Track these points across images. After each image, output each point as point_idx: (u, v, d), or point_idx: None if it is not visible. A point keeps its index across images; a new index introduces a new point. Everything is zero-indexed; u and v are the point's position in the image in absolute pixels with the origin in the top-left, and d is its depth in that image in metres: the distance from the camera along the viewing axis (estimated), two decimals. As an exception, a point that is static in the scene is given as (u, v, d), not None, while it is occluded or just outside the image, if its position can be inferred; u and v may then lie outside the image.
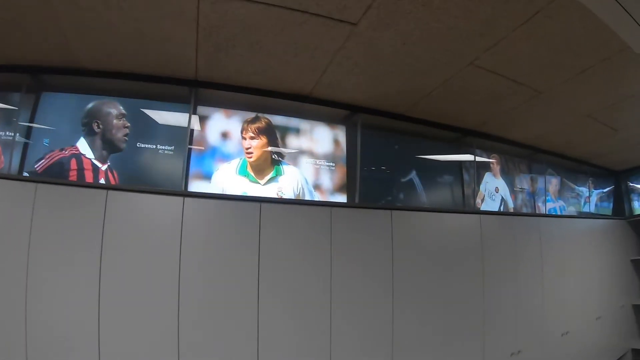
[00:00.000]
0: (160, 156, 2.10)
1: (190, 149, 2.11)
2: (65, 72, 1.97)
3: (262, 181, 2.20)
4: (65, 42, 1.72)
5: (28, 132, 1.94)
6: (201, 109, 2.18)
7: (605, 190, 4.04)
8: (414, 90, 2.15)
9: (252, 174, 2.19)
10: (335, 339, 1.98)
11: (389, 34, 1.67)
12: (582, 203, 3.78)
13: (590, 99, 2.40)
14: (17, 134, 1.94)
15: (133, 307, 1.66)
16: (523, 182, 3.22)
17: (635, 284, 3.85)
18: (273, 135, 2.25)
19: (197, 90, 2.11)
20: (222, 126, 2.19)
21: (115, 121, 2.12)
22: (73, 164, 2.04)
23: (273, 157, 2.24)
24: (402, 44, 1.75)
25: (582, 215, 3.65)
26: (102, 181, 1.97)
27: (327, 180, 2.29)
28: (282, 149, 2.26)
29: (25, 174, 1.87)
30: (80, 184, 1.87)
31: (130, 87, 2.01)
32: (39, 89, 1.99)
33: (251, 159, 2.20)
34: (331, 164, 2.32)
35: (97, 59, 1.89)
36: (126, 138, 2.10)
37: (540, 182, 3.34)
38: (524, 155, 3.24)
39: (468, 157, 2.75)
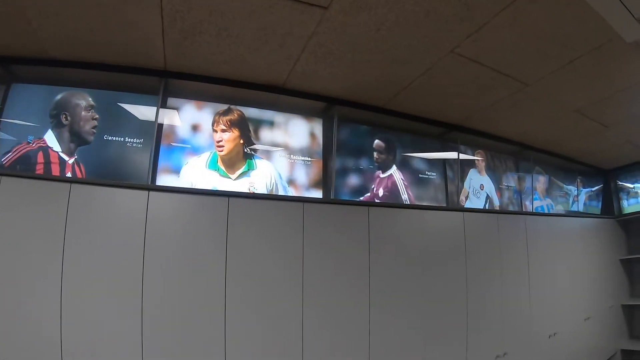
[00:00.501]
0: (128, 149, 1.95)
1: (158, 142, 1.96)
2: (33, 63, 1.83)
3: (233, 176, 2.02)
4: (32, 31, 1.60)
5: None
6: (172, 101, 2.03)
7: (594, 189, 3.83)
8: (393, 81, 1.97)
9: (223, 168, 2.01)
10: (308, 340, 1.83)
11: (362, 18, 1.52)
12: (571, 202, 3.57)
13: (579, 93, 2.21)
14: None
15: (95, 303, 1.54)
16: (510, 179, 3.02)
17: (624, 284, 3.65)
18: (246, 128, 2.07)
19: (167, 81, 1.96)
20: (193, 118, 2.04)
21: (83, 113, 1.98)
22: (40, 157, 1.90)
23: (245, 150, 2.06)
24: (377, 29, 1.60)
25: (570, 214, 3.44)
26: (69, 174, 1.83)
27: (302, 175, 2.11)
28: (255, 143, 2.06)
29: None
30: (43, 177, 1.74)
31: (99, 78, 1.88)
32: (9, 80, 1.85)
33: (222, 153, 2.03)
34: (307, 158, 2.13)
35: (64, 48, 1.75)
36: (94, 130, 1.96)
37: (527, 180, 3.14)
38: (511, 152, 3.04)
39: (452, 153, 2.54)
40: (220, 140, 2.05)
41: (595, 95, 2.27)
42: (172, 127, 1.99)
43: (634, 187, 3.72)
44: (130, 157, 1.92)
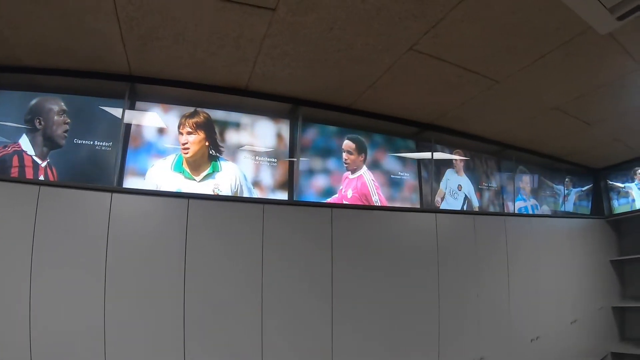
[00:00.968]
0: (97, 152, 1.92)
1: (126, 145, 1.94)
2: (8, 70, 1.84)
3: (198, 177, 1.95)
4: (4, 40, 1.61)
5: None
6: (140, 105, 2.00)
7: (584, 189, 3.60)
8: (356, 81, 1.86)
9: (188, 170, 1.95)
10: (267, 347, 1.74)
11: (312, 18, 1.46)
12: (560, 202, 3.35)
13: (555, 90, 2.07)
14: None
15: (60, 304, 1.51)
16: (491, 179, 2.83)
17: (615, 285, 3.41)
18: (212, 130, 2.00)
19: (135, 86, 1.94)
20: (160, 121, 2.01)
21: (56, 117, 1.99)
22: (15, 160, 1.90)
23: (210, 152, 1.98)
24: (329, 29, 1.53)
25: (556, 214, 3.23)
26: (41, 177, 1.82)
27: (267, 177, 2.00)
28: (220, 145, 1.97)
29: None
30: (13, 179, 1.72)
31: (71, 83, 1.87)
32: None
33: (187, 155, 1.96)
34: (273, 159, 2.03)
35: (36, 56, 1.76)
36: (66, 135, 1.95)
37: (509, 180, 2.94)
38: (492, 152, 2.88)
39: (425, 153, 2.39)
40: (186, 143, 2.01)
41: (573, 92, 2.12)
42: (139, 130, 1.96)
43: (624, 187, 3.48)
44: (99, 160, 1.88)
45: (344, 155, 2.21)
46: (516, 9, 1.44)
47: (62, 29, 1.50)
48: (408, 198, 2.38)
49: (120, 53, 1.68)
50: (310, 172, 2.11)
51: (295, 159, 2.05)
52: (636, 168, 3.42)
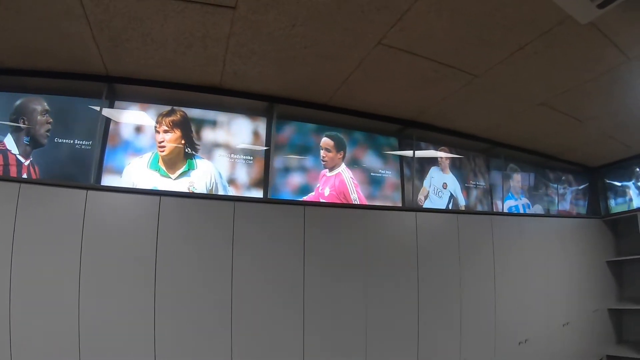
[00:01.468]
0: (77, 151, 1.90)
1: (104, 144, 1.92)
2: None
3: (174, 175, 1.91)
4: None
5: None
6: (119, 104, 1.98)
7: (579, 188, 3.42)
8: (328, 77, 1.81)
9: (164, 168, 1.92)
10: (237, 352, 1.68)
11: (272, 16, 1.42)
12: (555, 201, 3.18)
13: (539, 84, 1.95)
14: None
15: (38, 299, 1.49)
16: (479, 177, 2.69)
17: (612, 287, 3.22)
18: (188, 128, 1.96)
19: (113, 86, 1.94)
20: (137, 120, 1.98)
21: (39, 117, 1.98)
22: (0, 159, 1.86)
23: (186, 150, 1.92)
24: (291, 26, 1.48)
25: (549, 214, 3.05)
26: (24, 176, 1.82)
27: (243, 175, 1.93)
28: (196, 143, 1.92)
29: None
30: None
31: (53, 84, 1.88)
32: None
33: (163, 153, 1.94)
34: (249, 157, 1.96)
35: (18, 59, 1.77)
36: (48, 134, 1.94)
37: (498, 179, 2.80)
38: (480, 149, 2.72)
39: (407, 151, 2.28)
40: (162, 141, 1.98)
41: (558, 86, 1.99)
42: (117, 129, 1.94)
43: (621, 186, 3.28)
44: (79, 158, 1.87)
45: (322, 152, 2.12)
46: (482, -3, 1.33)
47: (40, 33, 1.51)
48: (389, 196, 2.27)
49: (95, 54, 1.68)
50: (286, 170, 2.04)
51: (270, 156, 1.97)
52: (634, 167, 3.21)
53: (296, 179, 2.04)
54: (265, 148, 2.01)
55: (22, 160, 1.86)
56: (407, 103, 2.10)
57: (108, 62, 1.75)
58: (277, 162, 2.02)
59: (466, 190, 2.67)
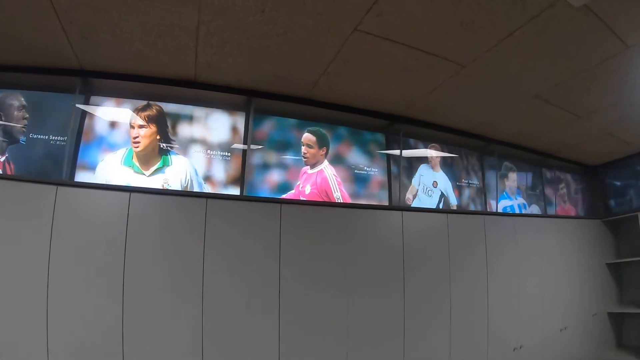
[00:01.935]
0: (52, 147, 1.82)
1: (78, 140, 1.83)
2: None
3: (148, 172, 1.81)
4: None
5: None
6: (94, 99, 1.89)
7: (578, 188, 3.25)
8: (306, 68, 1.69)
9: (138, 164, 1.82)
10: (208, 356, 1.56)
11: (241, 0, 1.31)
12: (554, 201, 3.02)
13: (530, 75, 1.80)
14: None
15: (9, 296, 1.42)
16: (471, 176, 2.55)
17: (612, 290, 3.05)
18: (163, 123, 1.86)
19: (88, 81, 1.85)
20: (112, 115, 1.89)
21: (16, 113, 1.90)
22: None
23: (161, 146, 1.81)
24: (261, 11, 1.37)
25: (546, 214, 2.90)
26: (0, 172, 1.76)
27: (220, 171, 1.81)
28: (172, 138, 1.81)
29: None
30: None
31: (29, 79, 1.81)
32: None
33: (137, 149, 1.84)
34: (226, 153, 1.84)
35: None
36: (24, 129, 1.86)
37: (492, 177, 2.65)
38: (474, 147, 2.56)
39: (395, 148, 2.14)
40: (137, 137, 1.88)
41: (551, 77, 1.85)
42: (91, 125, 1.85)
43: (621, 185, 3.11)
44: (54, 154, 1.79)
45: (303, 148, 2.00)
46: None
47: (14, 29, 1.46)
48: (375, 195, 2.14)
49: (67, 48, 1.61)
50: (265, 167, 1.91)
51: (247, 152, 1.85)
52: (635, 165, 3.03)
53: (275, 176, 1.92)
54: (243, 144, 1.89)
55: (-2, 156, 1.78)
56: (393, 96, 1.96)
57: (81, 56, 1.68)
58: (255, 158, 1.90)
59: (458, 189, 2.52)
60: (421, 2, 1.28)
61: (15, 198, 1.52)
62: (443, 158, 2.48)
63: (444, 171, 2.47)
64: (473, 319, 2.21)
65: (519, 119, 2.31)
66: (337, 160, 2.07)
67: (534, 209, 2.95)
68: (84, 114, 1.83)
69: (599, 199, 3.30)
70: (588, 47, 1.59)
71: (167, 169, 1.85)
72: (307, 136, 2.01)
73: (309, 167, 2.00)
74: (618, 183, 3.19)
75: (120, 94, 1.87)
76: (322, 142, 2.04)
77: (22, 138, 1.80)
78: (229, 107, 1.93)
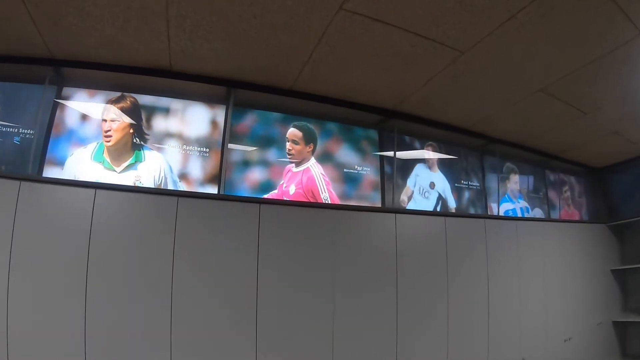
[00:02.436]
0: (22, 140, 1.68)
1: (48, 133, 1.68)
2: None
3: (119, 168, 1.65)
4: None
5: None
6: (67, 90, 1.75)
7: (583, 191, 3.06)
8: (287, 55, 1.53)
9: (108, 160, 1.67)
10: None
11: None
12: (558, 205, 2.84)
13: (534, 65, 1.65)
14: None
15: None
16: (471, 177, 2.37)
17: (617, 297, 2.85)
18: (138, 116, 1.70)
19: (61, 71, 1.71)
20: (85, 107, 1.73)
21: None
22: None
23: (134, 141, 1.65)
24: None
25: (550, 218, 2.71)
26: None
27: (197, 169, 1.64)
28: (146, 132, 1.65)
29: None
30: None
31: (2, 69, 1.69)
32: None
33: (109, 143, 1.69)
34: (205, 149, 1.67)
35: None
36: None
37: (493, 179, 2.47)
38: (473, 146, 2.39)
39: (389, 145, 1.97)
40: (109, 130, 1.73)
41: (558, 68, 1.68)
42: (62, 117, 1.71)
43: (627, 189, 2.91)
44: (21, 148, 1.65)
45: (288, 145, 1.82)
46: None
47: None
48: (367, 196, 1.96)
49: (35, 35, 1.48)
50: (245, 164, 1.74)
51: (226, 148, 1.68)
52: (642, 167, 2.85)
53: (256, 175, 1.74)
54: (222, 140, 1.72)
55: (-33, 150, 1.63)
56: (385, 87, 1.78)
57: (50, 44, 1.54)
58: (235, 155, 1.73)
59: (457, 191, 2.34)
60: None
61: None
62: (441, 157, 2.30)
63: (441, 171, 2.29)
64: (472, 329, 2.02)
65: (521, 115, 2.12)
66: (326, 158, 1.89)
67: (537, 213, 2.76)
68: (55, 105, 1.68)
69: (604, 202, 3.10)
70: (597, 33, 1.40)
71: (140, 165, 1.68)
72: (292, 131, 1.83)
73: (294, 165, 1.82)
74: (623, 186, 2.99)
75: (93, 85, 1.73)
76: (309, 138, 1.86)
77: (-8, 131, 1.67)
78: (208, 100, 1.76)
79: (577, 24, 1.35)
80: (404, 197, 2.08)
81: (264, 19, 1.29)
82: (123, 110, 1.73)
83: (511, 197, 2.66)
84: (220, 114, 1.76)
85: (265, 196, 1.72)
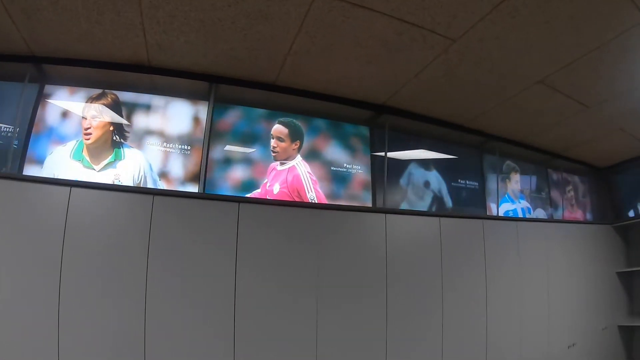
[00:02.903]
0: (2, 138, 1.61)
1: (29, 131, 1.62)
2: None
3: (98, 167, 1.59)
4: None
5: None
6: (48, 88, 1.68)
7: (587, 190, 2.89)
8: (267, 47, 1.44)
9: (88, 158, 1.61)
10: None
11: None
12: (561, 205, 2.68)
13: (532, 53, 1.54)
14: None
15: None
16: (469, 176, 2.23)
17: (622, 300, 2.67)
18: (118, 113, 1.61)
19: (41, 68, 1.65)
20: (65, 105, 1.66)
21: None
22: None
23: (114, 138, 1.57)
24: None
25: (552, 219, 2.55)
26: None
27: (178, 167, 1.54)
28: (126, 130, 1.56)
29: None
30: None
31: None
32: None
33: (88, 141, 1.63)
34: (186, 147, 1.57)
35: None
36: None
37: (492, 178, 2.33)
38: (471, 143, 2.26)
39: (381, 143, 1.85)
40: (89, 128, 1.66)
41: (559, 57, 1.56)
42: (42, 115, 1.64)
43: (633, 188, 2.73)
44: (2, 146, 1.60)
45: (273, 142, 1.72)
46: None
47: None
48: (357, 196, 1.84)
49: (13, 31, 1.42)
50: (227, 162, 1.63)
51: (207, 146, 1.58)
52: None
53: (238, 173, 1.64)
54: (204, 137, 1.63)
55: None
56: (373, 81, 1.66)
57: (29, 40, 1.48)
58: (217, 152, 1.63)
59: (453, 190, 2.20)
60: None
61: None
62: (436, 156, 2.16)
63: (437, 170, 2.15)
64: (469, 335, 1.88)
65: (520, 109, 1.97)
66: (313, 156, 1.78)
67: (540, 213, 2.61)
68: (36, 103, 1.61)
69: (609, 202, 2.92)
70: (599, 18, 1.26)
71: (120, 164, 1.60)
72: (277, 128, 1.73)
73: (278, 163, 1.71)
74: (629, 185, 2.81)
75: (74, 82, 1.66)
76: (295, 135, 1.75)
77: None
78: (190, 96, 1.67)
79: (577, 9, 1.22)
80: (396, 196, 1.95)
81: (239, 6, 1.20)
82: (104, 107, 1.65)
83: (512, 197, 2.51)
84: (202, 110, 1.67)
85: (248, 195, 1.62)
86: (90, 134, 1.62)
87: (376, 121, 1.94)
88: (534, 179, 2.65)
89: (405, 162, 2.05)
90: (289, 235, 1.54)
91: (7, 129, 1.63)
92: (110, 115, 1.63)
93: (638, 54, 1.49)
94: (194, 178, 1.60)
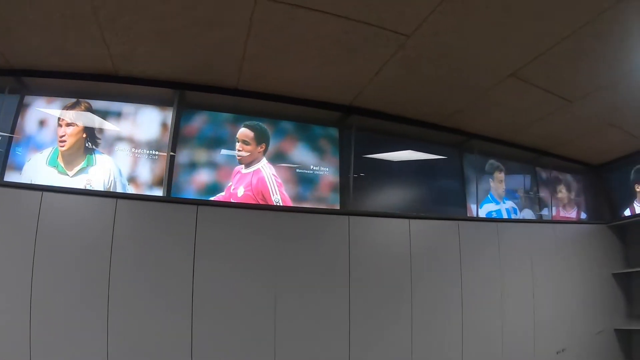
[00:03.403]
0: None
1: (10, 140, 1.64)
2: None
3: (71, 172, 1.64)
4: None
5: None
6: (28, 98, 1.72)
7: (581, 189, 2.70)
8: (222, 52, 1.46)
9: (62, 164, 1.64)
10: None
11: None
12: (550, 204, 2.51)
13: (497, 43, 1.45)
14: None
15: None
16: (448, 176, 2.12)
17: (619, 303, 2.48)
18: (91, 120, 1.64)
19: (21, 80, 1.69)
20: (43, 114, 1.70)
21: None
22: None
23: (87, 145, 1.59)
24: None
25: (541, 220, 2.41)
26: None
27: (146, 171, 1.54)
28: (98, 136, 1.58)
29: None
30: None
31: None
32: None
33: (63, 148, 1.68)
34: (154, 152, 1.57)
35: None
36: None
37: (473, 178, 2.21)
38: (448, 142, 2.14)
39: (349, 147, 1.79)
40: (64, 135, 1.72)
41: (526, 46, 1.43)
42: (22, 124, 1.67)
43: (629, 186, 2.53)
44: None
45: (238, 145, 1.69)
46: None
47: None
48: (325, 198, 1.79)
49: None
50: (192, 166, 1.62)
51: (172, 150, 1.57)
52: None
53: (203, 177, 1.63)
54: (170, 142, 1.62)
55: None
56: (333, 81, 1.62)
57: (7, 54, 1.52)
58: (182, 157, 1.62)
59: (430, 191, 2.09)
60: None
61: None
62: (411, 156, 2.06)
63: (413, 171, 2.06)
64: (444, 346, 1.78)
65: (498, 106, 1.87)
66: (279, 159, 1.76)
67: (527, 214, 2.45)
68: (17, 114, 1.65)
69: (605, 201, 2.74)
70: (566, 2, 1.13)
71: (91, 169, 1.63)
72: (243, 131, 1.71)
73: (243, 166, 1.69)
74: (625, 184, 2.60)
75: (51, 92, 1.70)
76: (260, 138, 1.72)
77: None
78: (158, 102, 1.70)
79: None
80: (366, 198, 1.88)
81: (188, 15, 1.21)
82: (77, 115, 1.69)
83: (496, 197, 2.37)
84: (170, 116, 1.67)
85: (212, 198, 1.60)
86: (65, 141, 1.66)
87: (345, 122, 1.90)
88: (520, 178, 2.50)
89: (379, 163, 1.97)
90: (248, 238, 1.52)
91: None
92: (83, 123, 1.66)
93: (615, 41, 1.34)
94: (161, 182, 1.60)
